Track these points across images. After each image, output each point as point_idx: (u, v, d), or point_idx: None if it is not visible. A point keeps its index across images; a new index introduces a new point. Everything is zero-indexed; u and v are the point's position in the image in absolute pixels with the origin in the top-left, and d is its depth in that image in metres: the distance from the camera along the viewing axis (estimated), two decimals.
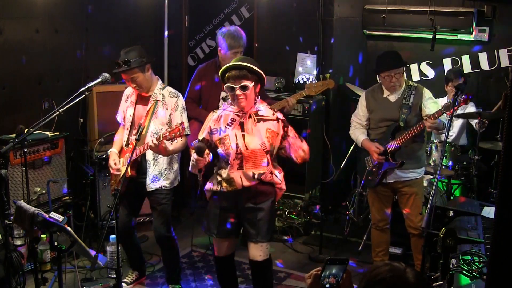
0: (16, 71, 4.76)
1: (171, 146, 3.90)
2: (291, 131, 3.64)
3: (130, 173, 4.00)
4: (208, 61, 5.08)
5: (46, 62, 5.02)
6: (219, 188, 3.65)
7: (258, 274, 3.83)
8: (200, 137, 3.67)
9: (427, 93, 4.32)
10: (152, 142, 3.82)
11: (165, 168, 4.17)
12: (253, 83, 3.50)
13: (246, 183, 3.58)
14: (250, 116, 3.57)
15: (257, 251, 3.71)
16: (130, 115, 4.20)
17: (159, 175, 4.16)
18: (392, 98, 4.35)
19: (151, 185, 4.16)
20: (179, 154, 4.28)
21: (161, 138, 3.75)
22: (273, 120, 3.60)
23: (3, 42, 4.61)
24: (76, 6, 5.24)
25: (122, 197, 4.03)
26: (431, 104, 4.26)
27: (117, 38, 5.62)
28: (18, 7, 4.73)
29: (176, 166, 4.25)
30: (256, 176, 3.57)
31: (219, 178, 3.66)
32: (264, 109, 3.64)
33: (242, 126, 3.56)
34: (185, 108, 4.14)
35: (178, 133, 3.69)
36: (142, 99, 4.18)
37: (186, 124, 4.03)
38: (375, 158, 4.34)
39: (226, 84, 3.53)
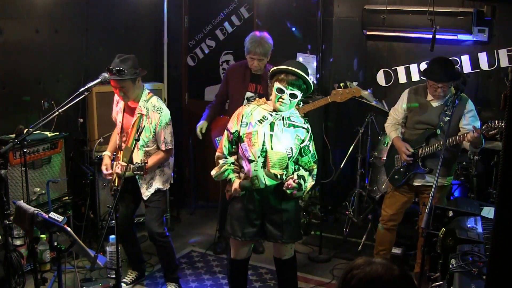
0: (16, 71, 4.76)
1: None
2: (311, 146, 3.67)
3: (117, 183, 4.08)
4: (237, 62, 5.18)
5: (45, 62, 5.02)
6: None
7: (283, 272, 3.91)
8: (233, 129, 3.62)
9: (470, 105, 4.23)
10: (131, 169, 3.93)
11: (155, 173, 4.25)
12: (302, 93, 3.53)
13: (268, 182, 3.57)
14: (282, 119, 3.57)
15: (282, 251, 3.80)
16: (120, 122, 4.29)
17: (150, 180, 4.24)
18: (435, 103, 4.27)
19: (147, 193, 4.25)
20: (172, 160, 4.36)
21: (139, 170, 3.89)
22: (304, 128, 3.62)
23: (3, 42, 4.60)
24: (76, 6, 5.24)
25: (120, 194, 4.06)
26: (471, 118, 4.18)
27: (116, 39, 5.62)
28: (18, 7, 4.72)
29: (167, 170, 4.34)
30: (278, 177, 3.57)
31: (242, 176, 3.64)
32: (296, 115, 3.65)
33: (272, 126, 3.55)
34: (169, 122, 4.18)
35: (141, 172, 3.86)
36: (129, 109, 4.24)
37: (168, 139, 4.16)
38: (403, 159, 4.32)
39: (276, 85, 3.49)
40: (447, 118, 4.12)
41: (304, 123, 3.64)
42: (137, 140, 3.82)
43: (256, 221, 3.67)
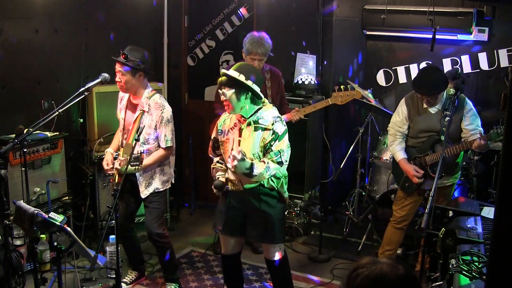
0: (16, 71, 4.76)
1: (146, 161, 4.09)
2: (277, 147, 3.49)
3: (117, 180, 4.11)
4: (236, 62, 5.12)
5: (45, 62, 5.02)
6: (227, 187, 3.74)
7: (274, 273, 3.95)
8: (212, 136, 3.78)
9: (469, 105, 4.23)
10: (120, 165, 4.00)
11: (155, 172, 4.24)
12: (233, 90, 3.48)
13: (247, 184, 3.63)
14: (249, 124, 3.56)
15: (271, 252, 3.82)
16: (122, 119, 4.28)
17: (150, 179, 4.23)
18: (433, 110, 4.25)
19: (145, 192, 4.24)
20: (173, 159, 4.35)
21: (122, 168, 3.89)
22: (269, 129, 3.52)
23: (3, 42, 4.60)
24: (76, 6, 5.24)
25: (120, 194, 4.07)
26: (472, 118, 4.18)
27: (116, 39, 5.62)
28: (17, 7, 4.72)
29: (168, 169, 4.32)
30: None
31: (226, 176, 3.73)
32: (266, 117, 3.56)
33: (240, 131, 3.59)
34: (170, 119, 4.18)
35: (137, 163, 3.83)
36: (131, 106, 4.24)
37: (169, 137, 4.15)
38: (415, 182, 4.27)
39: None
40: (447, 122, 4.11)
41: (273, 124, 3.51)
42: (137, 140, 3.82)
43: (237, 218, 3.74)
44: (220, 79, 3.55)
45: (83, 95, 3.79)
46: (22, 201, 3.50)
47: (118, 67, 4.06)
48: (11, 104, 4.74)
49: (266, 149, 3.53)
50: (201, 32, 6.29)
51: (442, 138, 4.20)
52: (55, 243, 3.29)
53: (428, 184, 4.32)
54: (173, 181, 4.40)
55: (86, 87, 3.79)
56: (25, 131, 3.67)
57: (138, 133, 3.83)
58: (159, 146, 4.19)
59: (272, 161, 3.50)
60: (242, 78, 3.47)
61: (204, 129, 5.49)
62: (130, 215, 4.44)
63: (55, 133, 4.81)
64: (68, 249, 3.27)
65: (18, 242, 4.30)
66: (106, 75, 3.95)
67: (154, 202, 4.26)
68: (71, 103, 3.74)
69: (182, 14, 6.30)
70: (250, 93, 3.51)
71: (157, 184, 4.24)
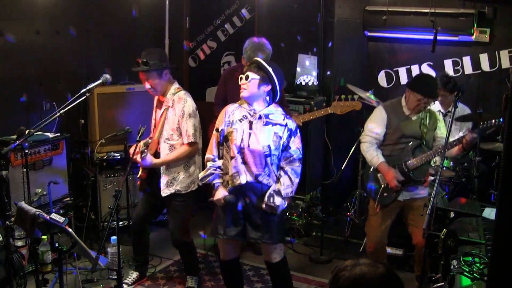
0: (17, 72, 4.76)
1: (166, 157, 4.09)
2: (292, 143, 3.64)
3: (141, 175, 4.18)
4: (235, 65, 5.14)
5: (46, 63, 5.02)
6: (226, 189, 3.68)
7: (275, 276, 3.94)
8: (220, 128, 3.73)
9: (439, 116, 4.38)
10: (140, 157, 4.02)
11: (179, 173, 4.17)
12: (258, 77, 3.59)
13: (249, 178, 3.61)
14: (260, 117, 3.62)
15: (270, 253, 3.81)
16: (153, 119, 4.30)
17: (172, 180, 4.17)
18: (413, 117, 4.24)
19: (166, 190, 4.18)
20: (199, 158, 4.27)
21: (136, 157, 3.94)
22: (281, 125, 3.63)
23: (4, 43, 4.61)
24: (77, 7, 5.25)
25: (146, 193, 4.30)
26: (443, 128, 4.29)
27: (117, 40, 5.63)
28: (18, 8, 4.73)
29: (193, 169, 4.21)
30: (256, 176, 3.61)
31: (225, 179, 3.69)
32: (276, 113, 3.68)
33: (251, 124, 3.62)
34: (193, 114, 4.10)
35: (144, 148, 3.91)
36: (159, 104, 4.24)
37: (191, 131, 4.07)
38: (393, 186, 4.17)
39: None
40: (425, 129, 4.22)
41: (284, 120, 3.65)
42: (138, 141, 3.84)
43: (240, 220, 3.70)
44: (249, 65, 3.67)
45: (85, 96, 3.79)
46: (23, 202, 3.51)
47: (142, 76, 4.07)
48: (12, 105, 4.75)
49: (284, 147, 3.63)
50: (202, 33, 6.29)
51: (424, 143, 4.23)
52: (57, 244, 3.29)
53: (405, 193, 4.23)
54: (200, 184, 4.09)
55: (88, 88, 3.79)
56: (26, 132, 3.67)
57: (139, 134, 3.86)
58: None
59: (294, 159, 3.63)
60: (271, 70, 3.60)
61: (205, 130, 5.49)
62: (149, 216, 4.45)
63: (56, 134, 4.81)
64: (69, 250, 3.27)
65: (19, 243, 4.31)
66: (107, 76, 3.95)
67: (175, 206, 4.20)
68: (73, 104, 3.74)
69: (183, 15, 6.30)
70: (270, 88, 3.63)
71: (179, 185, 4.17)
